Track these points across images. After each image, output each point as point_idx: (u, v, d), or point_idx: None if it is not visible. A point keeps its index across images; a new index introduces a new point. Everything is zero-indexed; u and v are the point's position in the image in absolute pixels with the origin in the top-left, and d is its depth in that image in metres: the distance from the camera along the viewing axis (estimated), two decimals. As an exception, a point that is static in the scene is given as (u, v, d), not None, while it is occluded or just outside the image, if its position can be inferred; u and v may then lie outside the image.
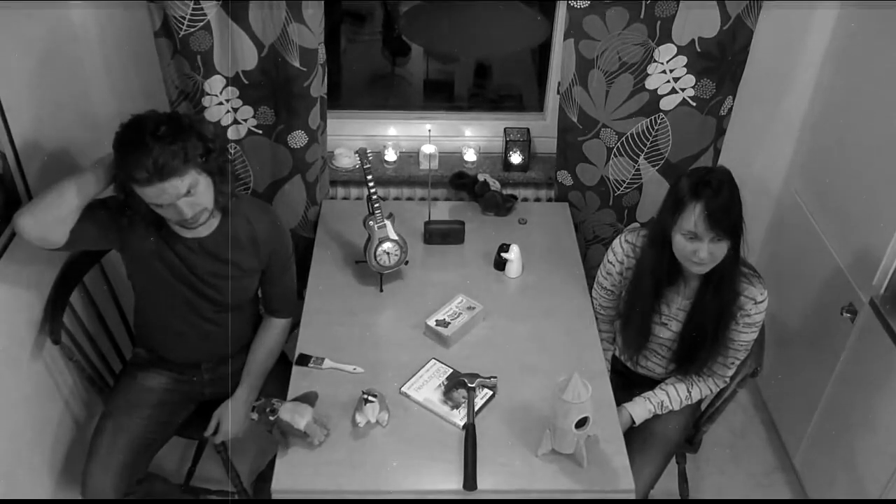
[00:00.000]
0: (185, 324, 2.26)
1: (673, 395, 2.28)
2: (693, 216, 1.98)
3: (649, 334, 2.29)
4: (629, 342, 2.36)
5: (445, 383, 2.16)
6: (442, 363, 2.24)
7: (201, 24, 2.29)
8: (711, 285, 2.12)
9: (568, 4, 2.40)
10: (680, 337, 2.24)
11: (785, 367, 2.91)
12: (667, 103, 2.58)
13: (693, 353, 2.23)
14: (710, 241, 1.98)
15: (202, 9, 2.26)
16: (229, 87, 2.45)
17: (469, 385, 2.13)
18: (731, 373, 2.27)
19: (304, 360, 2.24)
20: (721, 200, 1.96)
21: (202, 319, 2.26)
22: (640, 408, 2.26)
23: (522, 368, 2.24)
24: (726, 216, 1.97)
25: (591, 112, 2.63)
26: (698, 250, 2.00)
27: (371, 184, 2.39)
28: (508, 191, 2.91)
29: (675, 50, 2.45)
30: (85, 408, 2.55)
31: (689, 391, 2.29)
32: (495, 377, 2.17)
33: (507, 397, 2.15)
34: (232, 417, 2.24)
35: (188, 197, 1.94)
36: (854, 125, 2.53)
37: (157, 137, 1.86)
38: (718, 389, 2.32)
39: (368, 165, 2.41)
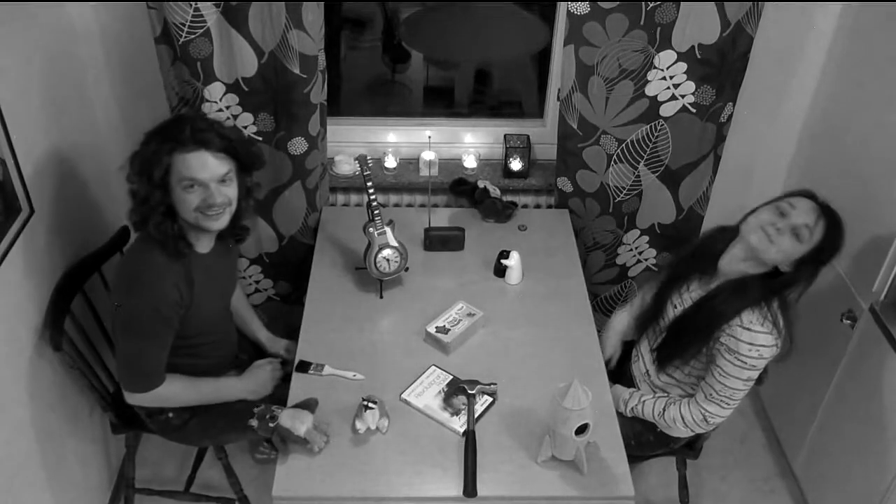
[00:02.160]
0: (225, 332, 2.35)
1: (648, 406, 2.26)
2: (796, 197, 2.03)
3: (661, 311, 2.29)
4: (642, 317, 2.39)
5: (445, 390, 2.16)
6: (442, 370, 2.24)
7: (201, 30, 2.29)
8: (726, 289, 2.09)
9: (568, 10, 2.40)
10: (669, 326, 2.23)
11: (785, 374, 2.90)
12: (667, 110, 2.58)
13: (674, 345, 2.20)
14: (793, 228, 1.99)
15: (202, 16, 2.27)
16: (229, 94, 2.46)
17: (469, 391, 2.13)
18: (710, 409, 2.12)
19: (304, 366, 2.24)
20: (829, 214, 2.01)
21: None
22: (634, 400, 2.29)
23: (522, 375, 2.23)
24: (824, 222, 1.99)
25: (591, 119, 2.63)
26: (778, 225, 2.00)
27: (371, 190, 2.39)
28: (508, 197, 2.91)
29: (675, 56, 2.46)
30: (86, 415, 2.55)
31: (664, 408, 2.22)
32: (495, 384, 2.17)
33: (507, 404, 2.15)
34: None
35: (223, 185, 1.97)
36: (854, 132, 2.53)
37: (205, 120, 2.01)
38: (696, 425, 2.17)
39: (368, 172, 2.41)
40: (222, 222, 2.02)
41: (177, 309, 2.02)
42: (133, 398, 2.09)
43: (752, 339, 1.99)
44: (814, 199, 2.04)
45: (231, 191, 2.00)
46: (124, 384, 2.08)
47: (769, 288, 2.04)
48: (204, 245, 2.12)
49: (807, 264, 2.02)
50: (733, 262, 2.11)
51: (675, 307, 2.25)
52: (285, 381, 2.27)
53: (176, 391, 2.12)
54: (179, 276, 2.02)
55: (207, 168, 1.92)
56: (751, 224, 2.07)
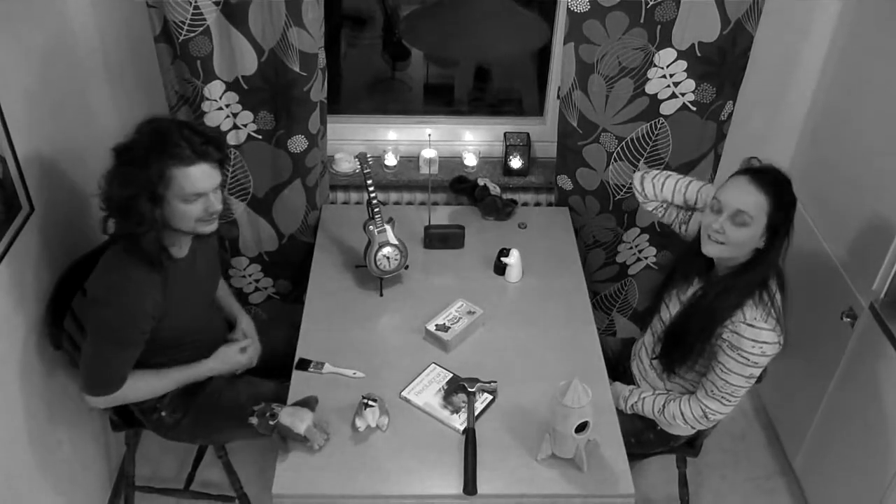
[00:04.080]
0: (209, 329, 2.32)
1: (648, 403, 2.26)
2: (729, 187, 1.99)
3: (655, 313, 2.30)
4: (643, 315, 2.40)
5: (445, 388, 2.16)
6: (442, 367, 2.24)
7: (201, 29, 2.29)
8: (719, 284, 2.07)
9: (568, 8, 2.40)
10: (666, 329, 2.22)
11: (785, 372, 2.91)
12: (667, 108, 2.58)
13: (674, 348, 2.19)
14: (731, 220, 1.96)
15: (202, 14, 2.26)
16: (229, 92, 2.46)
17: (469, 389, 2.13)
18: (711, 406, 2.11)
19: (304, 364, 2.24)
20: (763, 180, 1.96)
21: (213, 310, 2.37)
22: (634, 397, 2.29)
23: (522, 373, 2.24)
24: (760, 191, 1.95)
25: (591, 117, 2.63)
26: (720, 223, 1.97)
27: (371, 188, 2.39)
28: (508, 195, 2.90)
29: (675, 54, 2.46)
30: (86, 413, 2.55)
31: (664, 405, 2.22)
32: (495, 382, 2.17)
33: (507, 402, 2.15)
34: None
35: (218, 191, 1.99)
36: (854, 130, 2.53)
37: (190, 128, 1.96)
38: (696, 422, 2.16)
39: (368, 170, 2.41)
40: (216, 224, 2.04)
41: (150, 321, 2.02)
42: (91, 401, 2.07)
43: (756, 336, 1.98)
44: (746, 173, 2.02)
45: (221, 194, 2.02)
46: (84, 386, 2.05)
47: (758, 272, 2.02)
48: (183, 249, 2.12)
49: (774, 231, 1.98)
50: (722, 260, 2.11)
51: (676, 306, 2.24)
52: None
53: (134, 390, 2.09)
54: (157, 287, 2.01)
55: (209, 179, 1.94)
56: (702, 236, 2.06)
